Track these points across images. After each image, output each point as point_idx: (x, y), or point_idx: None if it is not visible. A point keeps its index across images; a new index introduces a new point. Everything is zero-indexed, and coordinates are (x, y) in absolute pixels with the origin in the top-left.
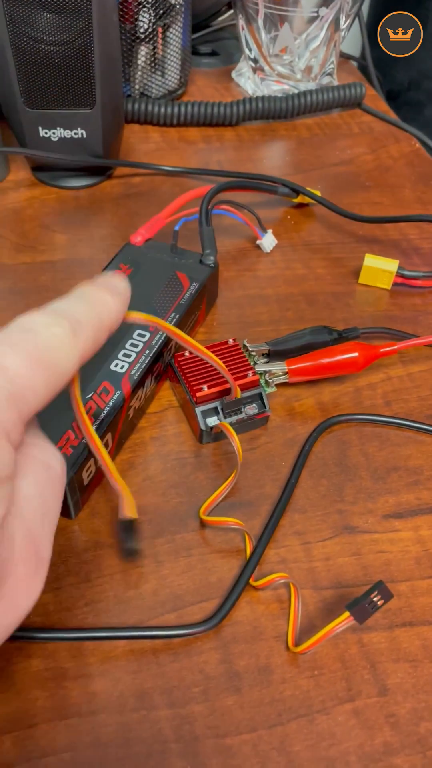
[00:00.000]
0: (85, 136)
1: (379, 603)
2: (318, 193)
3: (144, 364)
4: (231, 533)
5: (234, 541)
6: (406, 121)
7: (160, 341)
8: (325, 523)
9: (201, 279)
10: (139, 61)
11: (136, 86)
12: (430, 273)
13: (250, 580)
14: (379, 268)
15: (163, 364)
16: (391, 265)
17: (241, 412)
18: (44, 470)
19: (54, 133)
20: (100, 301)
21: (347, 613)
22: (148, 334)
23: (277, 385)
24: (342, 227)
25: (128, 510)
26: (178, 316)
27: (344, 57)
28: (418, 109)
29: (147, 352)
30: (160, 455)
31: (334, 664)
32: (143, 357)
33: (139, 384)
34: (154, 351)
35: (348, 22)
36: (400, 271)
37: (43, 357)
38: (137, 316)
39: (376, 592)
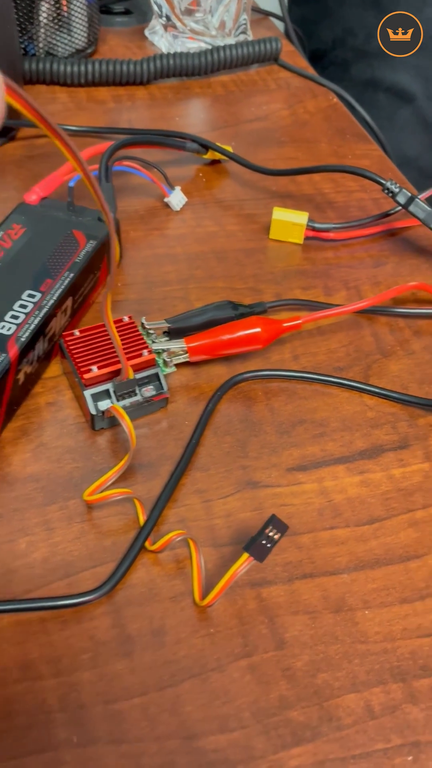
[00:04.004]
0: None
1: (276, 537)
2: (229, 148)
3: (33, 326)
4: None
5: (132, 504)
6: (334, 81)
7: (52, 301)
8: (227, 480)
9: (99, 237)
10: (41, 18)
11: (41, 45)
12: (341, 225)
13: (146, 544)
14: (289, 221)
15: (58, 327)
16: (301, 217)
17: (136, 394)
18: None
19: None
20: None
21: (246, 555)
22: (38, 294)
23: (177, 365)
24: (255, 183)
25: None
26: (72, 275)
27: (263, 13)
28: (344, 68)
29: (37, 312)
30: (56, 421)
31: (230, 620)
32: (33, 318)
33: (29, 347)
34: (44, 311)
35: None
36: (311, 223)
37: None
38: None
39: (270, 527)
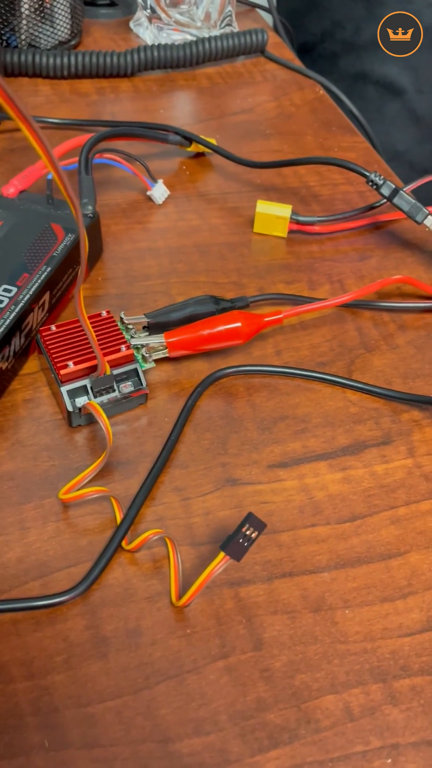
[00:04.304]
0: None
1: (253, 535)
2: (213, 141)
3: (8, 321)
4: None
5: (109, 502)
6: (323, 74)
7: (28, 296)
8: (206, 477)
9: (78, 230)
10: (23, 9)
11: (23, 37)
12: (325, 218)
13: (123, 544)
14: (273, 215)
15: (35, 322)
16: (284, 210)
17: (114, 390)
18: None
19: None
20: None
21: (222, 554)
22: (14, 289)
23: (157, 361)
24: (239, 176)
25: None
26: (50, 269)
27: (250, 5)
28: (333, 61)
29: (12, 307)
30: (33, 418)
31: (208, 621)
32: (8, 313)
33: (4, 342)
34: (20, 306)
35: None
36: (295, 216)
37: None
38: None
39: (247, 525)
